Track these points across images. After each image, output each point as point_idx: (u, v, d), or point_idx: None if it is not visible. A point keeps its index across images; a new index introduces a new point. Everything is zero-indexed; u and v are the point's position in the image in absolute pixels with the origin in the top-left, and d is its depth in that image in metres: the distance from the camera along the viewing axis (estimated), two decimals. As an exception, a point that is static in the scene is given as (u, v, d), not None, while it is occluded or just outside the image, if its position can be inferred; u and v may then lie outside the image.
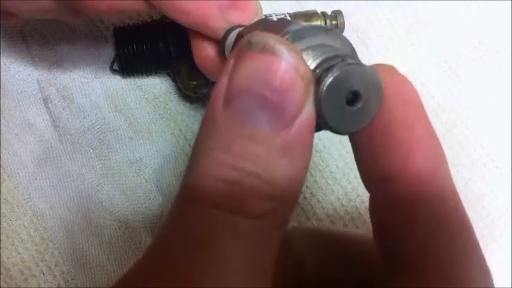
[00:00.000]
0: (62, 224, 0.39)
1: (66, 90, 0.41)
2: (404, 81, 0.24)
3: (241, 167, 0.19)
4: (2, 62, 0.40)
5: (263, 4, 0.43)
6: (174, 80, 0.41)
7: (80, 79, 0.41)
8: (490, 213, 0.42)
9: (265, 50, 0.20)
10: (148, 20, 0.40)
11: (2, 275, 0.38)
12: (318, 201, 0.41)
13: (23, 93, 0.40)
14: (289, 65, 0.19)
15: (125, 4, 0.30)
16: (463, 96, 0.44)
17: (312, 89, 0.20)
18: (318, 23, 0.41)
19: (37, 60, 0.41)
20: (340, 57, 0.21)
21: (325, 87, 0.20)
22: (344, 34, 0.27)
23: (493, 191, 0.43)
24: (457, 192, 0.23)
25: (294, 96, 0.19)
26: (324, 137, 0.41)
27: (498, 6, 0.45)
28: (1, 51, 0.40)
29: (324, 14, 0.41)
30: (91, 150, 0.40)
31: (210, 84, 0.38)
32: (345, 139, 0.25)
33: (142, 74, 0.41)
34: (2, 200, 0.39)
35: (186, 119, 0.41)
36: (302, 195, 0.41)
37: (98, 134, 0.40)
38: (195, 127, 0.41)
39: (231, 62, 0.20)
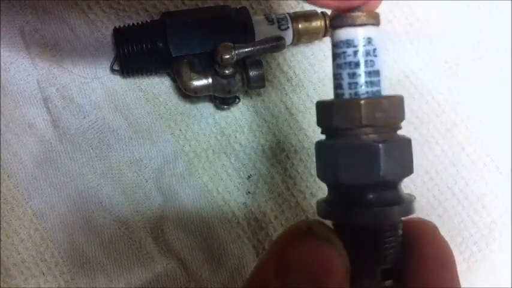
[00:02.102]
0: (62, 224, 0.39)
1: (66, 90, 0.41)
2: (445, 245, 0.27)
3: None
4: (2, 62, 0.40)
5: (263, 4, 0.43)
6: (174, 80, 0.41)
7: (80, 79, 0.41)
8: (490, 213, 0.42)
9: (325, 240, 0.24)
10: (149, 20, 0.40)
11: (2, 275, 0.38)
12: (318, 201, 0.41)
13: (23, 93, 0.40)
14: (341, 257, 0.24)
15: None
16: (463, 96, 0.44)
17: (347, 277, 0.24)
18: (317, 23, 0.41)
19: (37, 60, 0.41)
20: None
21: None
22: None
23: (493, 191, 0.43)
24: None
25: (338, 281, 0.23)
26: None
27: (498, 6, 0.45)
28: (1, 51, 0.40)
29: (324, 14, 0.41)
30: (91, 150, 0.40)
31: (211, 85, 0.38)
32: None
33: (142, 74, 0.41)
34: (2, 200, 0.39)
35: (186, 119, 0.41)
36: (302, 195, 0.41)
37: (98, 134, 0.40)
38: (195, 127, 0.41)
39: (284, 236, 0.25)
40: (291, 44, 0.41)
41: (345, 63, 0.27)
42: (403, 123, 0.43)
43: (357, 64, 0.26)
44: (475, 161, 0.43)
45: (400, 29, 0.44)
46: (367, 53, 0.26)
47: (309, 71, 0.43)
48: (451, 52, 0.44)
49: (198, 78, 0.38)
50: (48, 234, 0.39)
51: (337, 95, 0.27)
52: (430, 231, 0.27)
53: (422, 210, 0.42)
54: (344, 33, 0.26)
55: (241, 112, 0.42)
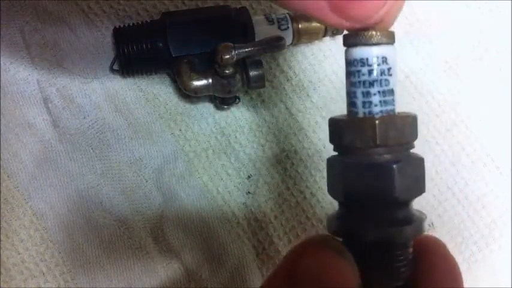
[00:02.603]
0: (62, 224, 0.39)
1: (66, 90, 0.41)
2: (455, 263, 0.28)
3: None
4: (2, 62, 0.40)
5: (263, 4, 0.43)
6: (174, 80, 0.41)
7: (80, 79, 0.41)
8: (490, 213, 0.42)
9: (338, 253, 0.24)
10: (149, 20, 0.40)
11: (2, 275, 0.38)
12: (318, 201, 0.41)
13: (23, 93, 0.40)
14: (353, 271, 0.24)
15: None
16: (463, 96, 0.44)
17: None
18: (317, 23, 0.41)
19: (37, 60, 0.41)
20: None
21: None
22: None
23: (493, 191, 0.43)
24: None
25: None
26: (324, 137, 0.41)
27: (498, 6, 0.45)
28: (1, 51, 0.40)
29: (324, 14, 0.41)
30: (91, 150, 0.40)
31: (211, 85, 0.38)
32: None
33: (142, 74, 0.41)
34: (2, 200, 0.39)
35: (186, 119, 0.41)
36: (302, 195, 0.41)
37: (98, 134, 0.40)
38: (195, 127, 0.41)
39: (299, 245, 0.25)
40: (291, 44, 0.41)
41: (359, 81, 0.26)
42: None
43: (371, 83, 0.26)
44: (475, 161, 0.43)
45: (400, 29, 0.44)
46: (382, 72, 0.26)
47: (309, 71, 0.43)
48: (451, 52, 0.44)
49: (198, 78, 0.38)
50: (48, 234, 0.39)
51: (350, 112, 0.27)
52: (442, 249, 0.28)
53: (422, 210, 0.42)
54: (359, 52, 0.26)
55: (241, 112, 0.42)
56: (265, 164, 0.41)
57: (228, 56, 0.36)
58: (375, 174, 0.26)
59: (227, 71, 0.38)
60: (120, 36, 0.39)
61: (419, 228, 0.27)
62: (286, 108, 0.42)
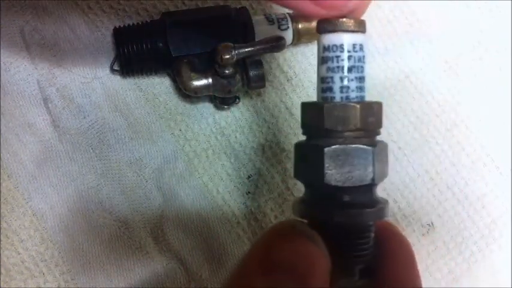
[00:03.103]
0: (62, 224, 0.39)
1: (66, 90, 0.41)
2: (411, 247, 0.29)
3: None
4: (2, 62, 0.40)
5: (263, 4, 0.43)
6: (174, 80, 0.41)
7: (80, 79, 0.41)
8: (490, 213, 0.42)
9: (309, 239, 0.24)
10: (148, 20, 0.40)
11: (2, 275, 0.38)
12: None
13: (23, 93, 0.40)
14: (324, 256, 0.24)
15: None
16: (463, 96, 0.44)
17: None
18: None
19: (37, 60, 0.41)
20: None
21: None
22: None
23: (493, 191, 0.43)
24: None
25: (322, 280, 0.24)
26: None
27: (498, 6, 0.45)
28: (1, 51, 0.40)
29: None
30: (91, 150, 0.40)
31: (211, 85, 0.38)
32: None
33: (142, 74, 0.41)
34: (2, 200, 0.39)
35: (186, 119, 0.41)
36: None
37: (98, 134, 0.40)
38: (195, 127, 0.41)
39: (268, 235, 0.25)
40: (291, 44, 0.41)
41: (338, 67, 0.27)
42: (403, 123, 0.43)
43: (350, 69, 0.27)
44: (475, 161, 0.43)
45: (400, 29, 0.44)
46: (359, 59, 0.27)
47: (309, 71, 0.43)
48: (451, 52, 0.44)
49: (198, 78, 0.38)
50: (48, 234, 0.39)
51: (325, 98, 0.27)
52: (398, 233, 0.29)
53: (422, 210, 0.42)
54: (338, 38, 0.27)
55: (241, 112, 0.42)
56: (265, 164, 0.41)
57: (228, 56, 0.36)
58: (354, 157, 0.26)
59: (227, 71, 0.38)
60: (120, 36, 0.39)
61: (382, 212, 0.27)
62: (286, 108, 0.42)
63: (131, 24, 0.40)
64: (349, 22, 0.27)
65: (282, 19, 0.40)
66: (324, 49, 0.27)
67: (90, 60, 0.41)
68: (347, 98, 0.27)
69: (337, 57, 0.27)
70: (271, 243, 0.24)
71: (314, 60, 0.43)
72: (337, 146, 0.26)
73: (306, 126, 0.28)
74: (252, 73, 0.38)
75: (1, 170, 0.39)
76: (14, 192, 0.39)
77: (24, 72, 0.40)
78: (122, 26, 0.40)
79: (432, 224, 0.42)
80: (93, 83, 0.41)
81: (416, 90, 0.43)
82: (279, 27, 0.40)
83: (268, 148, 0.41)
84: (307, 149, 0.28)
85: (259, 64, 0.39)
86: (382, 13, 0.44)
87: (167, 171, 0.40)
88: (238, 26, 0.39)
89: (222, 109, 0.41)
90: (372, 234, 0.28)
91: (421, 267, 0.41)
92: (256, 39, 0.39)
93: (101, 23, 0.41)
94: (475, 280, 0.41)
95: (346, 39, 0.27)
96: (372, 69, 0.43)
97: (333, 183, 0.26)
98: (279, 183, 0.41)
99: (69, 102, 0.40)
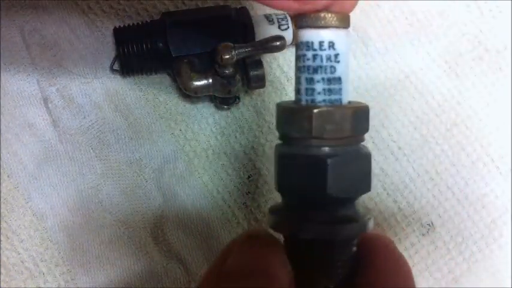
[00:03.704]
0: (62, 224, 0.39)
1: (66, 90, 0.41)
2: (400, 258, 0.27)
3: None
4: (2, 62, 0.40)
5: (264, 4, 0.43)
6: (174, 80, 0.41)
7: (80, 79, 0.41)
8: (490, 213, 0.42)
9: (267, 248, 0.23)
10: (148, 20, 0.40)
11: (2, 275, 0.38)
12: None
13: (23, 93, 0.40)
14: (284, 267, 0.23)
15: None
16: (463, 96, 0.44)
17: None
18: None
19: (37, 60, 0.41)
20: None
21: None
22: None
23: (493, 191, 0.43)
24: None
25: None
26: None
27: (498, 6, 0.45)
28: (1, 51, 0.40)
29: (324, 14, 0.41)
30: (91, 150, 0.40)
31: (211, 85, 0.38)
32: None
33: (142, 74, 0.41)
34: (2, 200, 0.39)
35: (186, 119, 0.41)
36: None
37: (98, 134, 0.40)
38: (195, 127, 0.41)
39: (229, 243, 0.24)
40: (291, 44, 0.41)
41: (304, 66, 0.25)
42: (403, 123, 0.43)
43: (315, 69, 0.25)
44: (475, 161, 0.43)
45: (400, 29, 0.44)
46: (328, 58, 0.24)
47: (309, 71, 0.43)
48: (451, 52, 0.44)
49: (198, 78, 0.38)
50: (48, 234, 0.39)
51: (296, 100, 0.25)
52: (384, 245, 0.26)
53: (422, 210, 0.42)
54: (305, 35, 0.25)
55: (241, 112, 0.42)
56: (265, 164, 0.41)
57: (228, 56, 0.36)
58: (309, 167, 0.24)
59: (227, 71, 0.38)
60: (120, 36, 0.39)
61: (361, 227, 0.25)
62: (286, 108, 0.42)
63: (131, 24, 0.40)
64: (317, 16, 0.24)
65: (282, 19, 0.40)
66: (296, 47, 0.25)
67: (90, 60, 0.41)
68: (312, 101, 0.25)
69: (304, 56, 0.25)
70: (229, 250, 0.24)
71: (314, 60, 0.43)
72: (292, 153, 0.24)
73: (276, 129, 0.26)
74: (252, 73, 0.38)
75: (1, 170, 0.39)
76: (14, 192, 0.39)
77: (24, 72, 0.40)
78: (121, 26, 0.40)
79: (432, 224, 0.42)
80: (93, 83, 0.41)
81: (416, 90, 0.43)
82: (279, 27, 0.40)
83: (268, 148, 0.41)
84: (275, 153, 0.26)
85: (259, 64, 0.39)
86: (382, 13, 0.44)
87: (167, 171, 0.40)
88: (238, 26, 0.39)
89: (222, 109, 0.41)
90: (346, 251, 0.25)
91: (421, 267, 0.41)
92: (256, 39, 0.39)
93: (101, 23, 0.41)
94: (475, 280, 0.41)
95: (311, 36, 0.24)
96: (372, 69, 0.43)
97: (291, 194, 0.24)
98: (279, 183, 0.41)
99: (69, 102, 0.40)
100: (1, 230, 0.38)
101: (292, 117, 0.25)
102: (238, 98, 0.41)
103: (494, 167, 0.43)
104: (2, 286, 0.38)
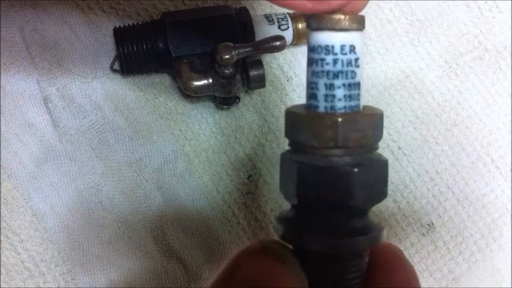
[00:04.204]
0: (62, 224, 0.39)
1: (66, 90, 0.41)
2: (409, 269, 0.26)
3: None
4: (2, 62, 0.40)
5: (263, 4, 0.43)
6: (174, 80, 0.41)
7: (80, 79, 0.41)
8: (490, 213, 0.42)
9: (279, 261, 0.22)
10: (148, 20, 0.40)
11: (2, 275, 0.38)
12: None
13: (23, 93, 0.40)
14: (297, 279, 0.22)
15: None
16: (463, 96, 0.44)
17: None
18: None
19: (37, 60, 0.41)
20: None
21: None
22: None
23: (493, 191, 0.43)
24: None
25: None
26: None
27: (498, 6, 0.45)
28: (1, 51, 0.40)
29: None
30: (91, 150, 0.40)
31: (211, 84, 0.38)
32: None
33: (142, 74, 0.41)
34: (2, 200, 0.39)
35: (186, 119, 0.41)
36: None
37: (98, 134, 0.40)
38: (195, 127, 0.41)
39: (237, 254, 0.23)
40: (291, 44, 0.41)
41: (323, 71, 0.23)
42: (403, 123, 0.43)
43: (336, 75, 0.23)
44: (475, 161, 0.43)
45: (400, 29, 0.44)
46: (349, 63, 0.23)
47: (309, 71, 0.43)
48: (451, 52, 0.44)
49: (198, 78, 0.38)
50: (48, 234, 0.39)
51: (310, 106, 0.24)
52: (394, 255, 0.26)
53: (422, 210, 0.42)
54: (323, 38, 0.23)
55: (241, 112, 0.42)
56: (265, 164, 0.41)
57: (228, 56, 0.36)
58: (332, 178, 0.23)
59: (227, 71, 0.38)
60: (120, 36, 0.39)
61: (376, 238, 0.24)
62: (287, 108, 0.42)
63: (131, 24, 0.40)
64: (336, 19, 0.23)
65: (282, 19, 0.40)
66: (309, 49, 0.24)
67: (90, 60, 0.41)
68: (332, 108, 0.23)
69: (322, 60, 0.23)
70: (240, 263, 0.23)
71: (314, 60, 0.43)
72: (312, 163, 0.23)
73: (287, 137, 0.25)
74: (252, 73, 0.38)
75: (1, 170, 0.39)
76: (14, 192, 0.39)
77: (24, 72, 0.40)
78: (121, 26, 0.40)
79: (432, 224, 0.42)
80: (93, 83, 0.41)
81: (416, 90, 0.43)
82: (279, 27, 0.40)
83: (268, 148, 0.41)
84: (285, 162, 0.24)
85: (259, 64, 0.39)
86: (382, 13, 0.44)
87: (167, 171, 0.40)
88: (238, 26, 0.39)
89: (222, 109, 0.41)
90: (362, 261, 0.25)
91: (421, 267, 0.41)
92: (256, 39, 0.39)
93: (101, 23, 0.41)
94: (475, 280, 0.41)
95: (332, 39, 0.23)
96: (372, 69, 0.43)
97: (311, 206, 0.23)
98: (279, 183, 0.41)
99: (69, 102, 0.40)
100: (1, 230, 0.38)
101: (311, 125, 0.23)
102: (238, 98, 0.41)
103: (494, 167, 0.43)
104: (2, 286, 0.38)
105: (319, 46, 0.23)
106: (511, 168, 0.43)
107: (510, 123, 0.44)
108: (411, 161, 0.42)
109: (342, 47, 0.23)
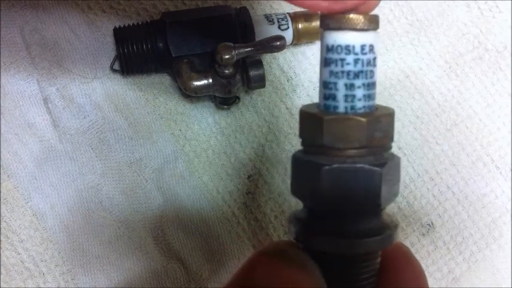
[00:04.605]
0: (62, 224, 0.39)
1: (66, 90, 0.41)
2: (419, 268, 0.26)
3: None
4: (2, 62, 0.40)
5: (263, 4, 0.43)
6: (174, 80, 0.41)
7: (80, 79, 0.41)
8: (490, 213, 0.42)
9: (298, 265, 0.22)
10: (148, 20, 0.40)
11: (2, 275, 0.38)
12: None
13: (23, 93, 0.40)
14: (316, 284, 0.22)
15: None
16: (463, 96, 0.44)
17: None
18: (318, 23, 0.41)
19: (37, 60, 0.41)
20: None
21: None
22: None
23: (493, 191, 0.43)
24: None
25: None
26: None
27: (498, 6, 0.45)
28: (1, 51, 0.40)
29: (324, 14, 0.41)
30: (91, 150, 0.40)
31: (211, 84, 0.38)
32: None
33: (142, 74, 0.41)
34: (2, 200, 0.39)
35: (186, 119, 0.41)
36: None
37: (98, 134, 0.40)
38: (195, 127, 0.41)
39: (254, 257, 0.22)
40: (291, 44, 0.41)
41: (343, 72, 0.23)
42: (403, 123, 0.43)
43: (357, 75, 0.23)
44: (475, 161, 0.43)
45: (400, 29, 0.44)
46: (368, 63, 0.23)
47: (309, 71, 0.43)
48: (451, 52, 0.44)
49: (198, 78, 0.38)
50: (48, 234, 0.39)
51: (327, 106, 0.23)
52: (403, 254, 0.26)
53: (422, 210, 0.42)
54: (344, 38, 0.23)
55: (241, 112, 0.42)
56: (265, 164, 0.41)
57: (228, 56, 0.36)
58: (359, 179, 0.22)
59: (227, 71, 0.38)
60: (120, 36, 0.39)
61: (390, 239, 0.24)
62: (286, 108, 0.42)
63: (131, 24, 0.40)
64: (357, 19, 0.22)
65: (282, 19, 0.40)
66: (327, 49, 0.23)
67: (90, 60, 0.41)
68: (352, 108, 0.23)
69: (342, 60, 0.23)
70: (257, 266, 0.22)
71: (314, 60, 0.43)
72: (334, 165, 0.22)
73: (304, 138, 0.24)
74: (252, 73, 0.38)
75: (1, 170, 0.39)
76: (14, 192, 0.39)
77: (24, 72, 0.40)
78: (121, 26, 0.40)
79: (432, 224, 0.42)
80: (93, 83, 0.41)
81: (416, 90, 0.43)
82: (279, 27, 0.40)
83: (268, 148, 0.41)
84: (301, 164, 0.24)
85: (259, 64, 0.39)
86: (382, 13, 0.44)
87: (167, 171, 0.40)
88: (238, 26, 0.39)
89: (222, 109, 0.41)
90: (376, 262, 0.25)
91: (421, 267, 0.41)
92: (256, 39, 0.39)
93: (101, 23, 0.41)
94: (475, 280, 0.41)
95: (353, 39, 0.23)
96: (372, 69, 0.43)
97: (331, 207, 0.22)
98: (279, 183, 0.41)
99: (69, 102, 0.40)
100: (1, 230, 0.38)
101: (334, 127, 0.23)
102: (238, 98, 0.41)
103: (494, 167, 0.43)
104: (2, 286, 0.38)
105: (339, 46, 0.23)
106: (511, 168, 0.43)
107: (510, 123, 0.44)
108: (411, 161, 0.42)
109: (363, 46, 0.23)
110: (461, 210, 0.42)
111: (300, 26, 0.41)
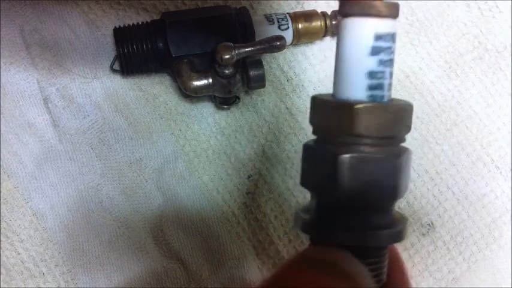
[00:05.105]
0: (62, 224, 0.39)
1: (66, 90, 0.41)
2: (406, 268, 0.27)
3: None
4: (2, 62, 0.40)
5: (263, 4, 0.43)
6: (174, 80, 0.41)
7: (80, 79, 0.41)
8: (490, 213, 0.42)
9: (333, 272, 0.21)
10: (148, 20, 0.40)
11: (2, 275, 0.38)
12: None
13: (23, 93, 0.40)
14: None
15: None
16: (463, 96, 0.44)
17: None
18: (317, 23, 0.41)
19: (37, 60, 0.41)
20: None
21: None
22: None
23: (493, 191, 0.43)
24: None
25: None
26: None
27: (498, 6, 0.45)
28: (1, 51, 0.40)
29: (324, 14, 0.41)
30: (91, 150, 0.40)
31: (211, 84, 0.38)
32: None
33: (142, 74, 0.41)
34: (2, 200, 0.39)
35: (186, 119, 0.41)
36: (302, 195, 0.41)
37: (98, 134, 0.40)
38: (195, 127, 0.41)
39: (296, 264, 0.21)
40: (291, 44, 0.41)
41: (390, 60, 0.22)
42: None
43: (392, 62, 0.22)
44: (475, 161, 0.43)
45: (400, 29, 0.44)
46: (393, 51, 0.23)
47: (309, 71, 0.43)
48: (451, 52, 0.44)
49: (198, 78, 0.38)
50: (48, 234, 0.39)
51: (374, 97, 0.22)
52: (395, 257, 0.26)
53: (422, 210, 0.42)
54: (392, 25, 0.22)
55: (241, 112, 0.42)
56: (265, 164, 0.41)
57: (228, 56, 0.36)
58: (377, 169, 0.22)
59: (227, 71, 0.38)
60: (120, 36, 0.39)
61: (401, 232, 0.23)
62: (286, 108, 0.42)
63: (131, 24, 0.40)
64: (392, 5, 0.22)
65: (282, 19, 0.40)
66: (376, 38, 0.22)
67: (90, 60, 0.41)
68: (389, 96, 0.22)
69: (389, 48, 0.22)
70: (290, 276, 0.20)
71: (314, 60, 0.43)
72: (355, 154, 0.22)
73: (320, 127, 0.23)
74: (252, 73, 0.38)
75: (1, 170, 0.39)
76: (14, 192, 0.39)
77: (24, 72, 0.40)
78: (121, 26, 0.40)
79: (432, 224, 0.42)
80: (93, 83, 0.41)
81: (416, 90, 0.43)
82: (279, 27, 0.40)
83: (268, 148, 0.41)
84: (319, 153, 0.23)
85: (259, 64, 0.39)
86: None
87: (167, 171, 0.40)
88: (238, 26, 0.39)
89: (222, 109, 0.41)
90: (386, 257, 0.24)
91: (421, 267, 0.41)
92: (256, 39, 0.39)
93: (101, 23, 0.41)
94: (475, 280, 0.41)
95: (395, 27, 0.22)
96: (372, 69, 0.43)
97: (345, 197, 0.22)
98: (279, 183, 0.41)
99: (69, 102, 0.40)
100: (1, 230, 0.38)
101: (396, 116, 0.22)
102: (238, 98, 0.41)
103: (494, 167, 0.43)
104: (2, 286, 0.38)
105: (388, 34, 0.22)
106: (511, 168, 0.43)
107: (510, 123, 0.44)
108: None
109: (393, 34, 0.22)
110: (461, 210, 0.42)
111: (300, 26, 0.41)
